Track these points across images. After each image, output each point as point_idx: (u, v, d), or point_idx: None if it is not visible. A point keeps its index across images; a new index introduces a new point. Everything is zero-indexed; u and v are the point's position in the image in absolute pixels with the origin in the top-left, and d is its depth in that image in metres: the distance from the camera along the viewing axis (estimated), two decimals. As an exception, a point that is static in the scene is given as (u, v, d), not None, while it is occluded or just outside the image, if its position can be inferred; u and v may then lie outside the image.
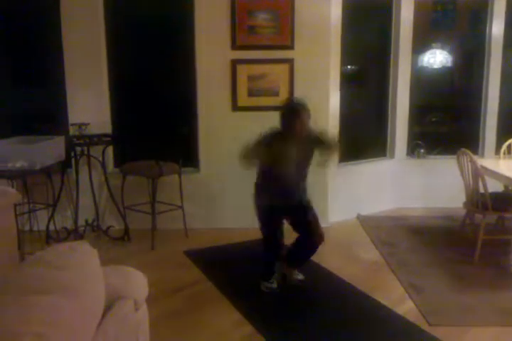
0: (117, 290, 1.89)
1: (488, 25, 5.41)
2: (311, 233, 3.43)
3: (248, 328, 2.99)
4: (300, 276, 3.61)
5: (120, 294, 1.88)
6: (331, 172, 4.94)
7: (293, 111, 3.43)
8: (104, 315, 1.70)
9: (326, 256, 3.92)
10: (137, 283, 2.04)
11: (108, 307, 1.76)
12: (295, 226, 3.50)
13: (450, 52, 5.65)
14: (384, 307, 3.23)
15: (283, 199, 3.38)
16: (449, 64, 5.67)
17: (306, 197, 3.51)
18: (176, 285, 3.58)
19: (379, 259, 4.11)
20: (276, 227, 3.52)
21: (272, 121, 4.75)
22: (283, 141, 3.32)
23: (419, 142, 5.64)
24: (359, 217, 5.24)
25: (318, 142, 3.44)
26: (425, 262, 4.02)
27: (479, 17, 5.49)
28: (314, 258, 3.92)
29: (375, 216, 5.30)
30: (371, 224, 5.01)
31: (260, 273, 3.57)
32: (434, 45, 5.65)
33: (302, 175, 3.51)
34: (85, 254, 1.76)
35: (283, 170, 3.26)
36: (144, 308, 2.08)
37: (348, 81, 5.11)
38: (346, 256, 4.18)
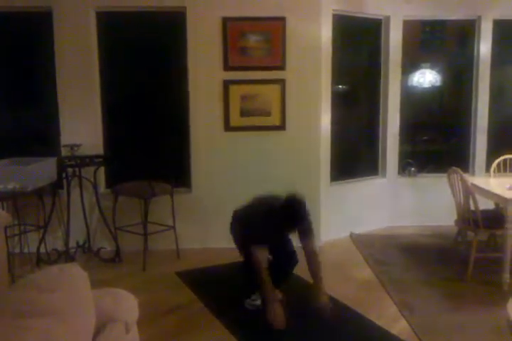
0: (108, 312, 1.88)
1: (475, 44, 5.51)
2: (285, 254, 3.50)
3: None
4: (279, 296, 3.51)
5: (110, 317, 1.87)
6: (323, 191, 4.96)
7: (289, 220, 3.20)
8: (94, 338, 1.69)
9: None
10: (128, 305, 2.03)
11: (98, 330, 1.75)
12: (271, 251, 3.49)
13: (439, 71, 5.73)
14: (377, 327, 3.21)
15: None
16: (438, 83, 5.75)
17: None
18: (168, 307, 3.55)
19: (372, 278, 4.11)
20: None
21: (264, 141, 4.81)
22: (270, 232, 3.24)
23: (410, 161, 5.68)
24: (352, 236, 5.24)
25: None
26: (418, 280, 4.02)
27: (467, 37, 5.59)
28: (307, 276, 3.91)
29: (367, 234, 5.30)
30: (364, 243, 5.01)
31: (243, 291, 3.59)
32: (423, 65, 5.73)
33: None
34: (75, 277, 1.75)
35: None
36: (134, 330, 2.07)
37: (339, 101, 5.16)
38: (339, 274, 4.17)
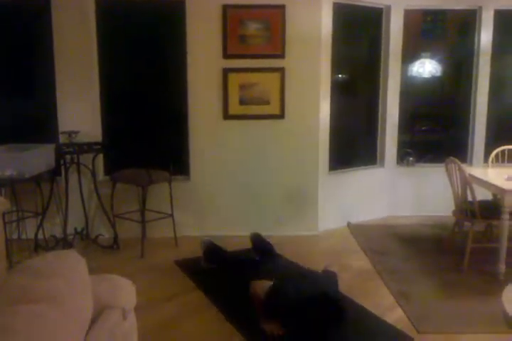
0: (105, 299, 1.89)
1: (476, 34, 5.48)
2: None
3: (238, 338, 2.98)
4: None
5: (108, 303, 1.88)
6: (321, 181, 4.96)
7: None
8: (91, 325, 1.69)
9: (315, 264, 3.92)
10: (125, 292, 2.04)
11: (96, 317, 1.75)
12: None
13: (439, 61, 5.71)
14: (374, 316, 3.24)
15: None
16: (438, 73, 5.73)
17: None
18: (165, 294, 3.57)
19: (369, 267, 4.12)
20: None
21: (263, 129, 4.80)
22: None
23: (409, 150, 5.68)
24: (349, 225, 5.26)
25: None
26: (415, 270, 4.04)
27: (468, 27, 5.56)
28: (304, 266, 3.94)
29: (365, 224, 5.32)
30: (361, 232, 5.02)
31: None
32: (423, 54, 5.71)
33: None
34: (73, 263, 1.75)
35: None
36: (132, 317, 2.08)
37: (338, 90, 5.15)
38: (336, 263, 4.18)
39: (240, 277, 3.50)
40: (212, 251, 4.02)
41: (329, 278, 3.41)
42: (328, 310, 2.97)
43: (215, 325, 3.15)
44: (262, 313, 3.07)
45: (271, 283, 3.18)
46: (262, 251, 4.03)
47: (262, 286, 3.15)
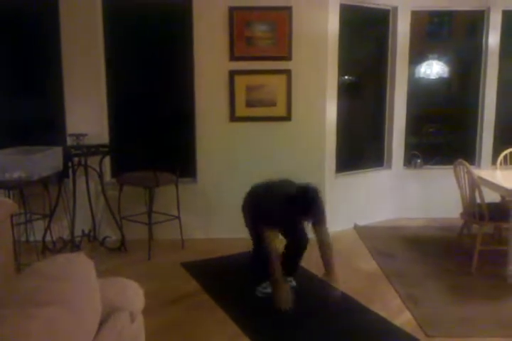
0: (113, 301, 1.89)
1: (484, 35, 5.46)
2: (297, 238, 3.57)
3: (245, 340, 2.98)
4: (293, 283, 3.67)
5: (116, 306, 1.88)
6: (328, 183, 4.95)
7: (302, 205, 3.20)
8: (99, 327, 1.69)
9: (322, 267, 3.91)
10: (133, 294, 2.04)
11: (104, 319, 1.75)
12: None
13: (446, 63, 5.69)
14: (381, 318, 3.22)
15: None
16: (446, 75, 5.71)
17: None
18: (173, 297, 3.57)
19: (376, 270, 4.11)
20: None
21: (270, 131, 4.79)
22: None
23: (416, 152, 5.66)
24: (356, 227, 5.24)
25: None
26: (422, 273, 4.02)
27: (475, 28, 5.53)
28: (312, 269, 3.92)
29: (372, 226, 5.30)
30: (368, 235, 5.01)
31: (253, 279, 3.64)
32: (430, 56, 5.69)
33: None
34: (81, 266, 1.76)
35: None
36: (140, 320, 2.08)
37: (345, 92, 5.14)
38: (343, 266, 4.16)
39: None
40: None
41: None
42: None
43: (221, 328, 3.14)
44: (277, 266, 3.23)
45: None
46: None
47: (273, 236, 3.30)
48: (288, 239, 3.63)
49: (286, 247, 3.59)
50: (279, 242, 3.37)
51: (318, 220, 3.38)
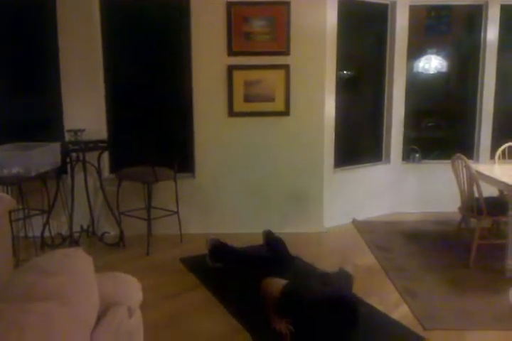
0: (111, 296, 1.89)
1: (482, 30, 5.45)
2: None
3: (244, 335, 2.98)
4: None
5: (114, 301, 1.88)
6: (326, 178, 4.96)
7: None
8: (97, 322, 1.70)
9: (321, 261, 3.92)
10: (131, 289, 2.05)
11: (101, 314, 1.76)
12: None
13: (445, 57, 5.68)
14: (379, 312, 3.23)
15: None
16: (444, 69, 5.71)
17: None
18: (171, 292, 3.57)
19: (374, 264, 4.12)
20: None
21: (268, 126, 4.79)
22: None
23: (415, 147, 5.66)
24: (354, 222, 5.25)
25: None
26: (420, 267, 4.03)
27: (474, 22, 5.53)
28: (310, 262, 3.93)
29: (370, 221, 5.31)
30: (366, 229, 5.02)
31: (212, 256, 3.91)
32: (429, 50, 5.69)
33: None
34: (79, 261, 1.76)
35: None
36: (138, 315, 2.08)
37: (343, 86, 5.14)
38: (342, 260, 4.18)
39: (250, 274, 3.49)
40: (219, 250, 4.01)
41: (345, 279, 3.34)
42: (343, 314, 2.88)
43: (220, 322, 3.15)
44: (274, 312, 3.02)
45: (284, 281, 3.14)
46: (274, 248, 4.00)
47: (276, 284, 3.11)
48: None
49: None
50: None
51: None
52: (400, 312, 3.24)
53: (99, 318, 1.73)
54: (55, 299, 1.49)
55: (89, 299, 1.66)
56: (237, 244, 4.29)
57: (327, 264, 3.90)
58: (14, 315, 1.36)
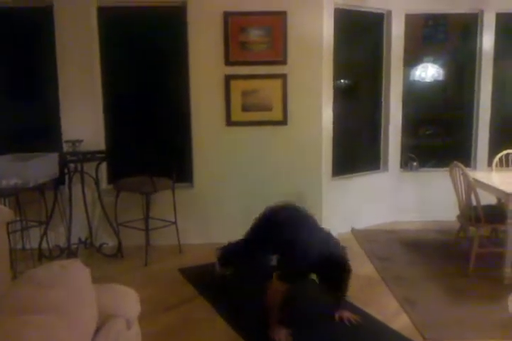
0: (109, 308, 1.89)
1: (478, 38, 5.48)
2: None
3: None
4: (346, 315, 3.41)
5: (112, 312, 1.88)
6: (324, 186, 4.95)
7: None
8: (95, 334, 1.69)
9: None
10: (129, 301, 2.04)
11: (100, 326, 1.75)
12: None
13: (442, 65, 5.71)
14: (378, 321, 3.22)
15: None
16: (441, 77, 5.73)
17: None
18: (170, 303, 3.56)
19: (373, 273, 4.11)
20: None
21: (266, 136, 4.80)
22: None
23: (413, 155, 5.67)
24: (353, 231, 5.24)
25: None
26: (420, 276, 4.02)
27: (470, 30, 5.56)
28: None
29: (369, 229, 5.30)
30: (365, 238, 5.01)
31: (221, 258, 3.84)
32: (425, 59, 5.72)
33: None
34: (77, 273, 1.75)
35: None
36: (136, 326, 2.08)
37: (340, 95, 5.15)
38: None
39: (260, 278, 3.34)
40: (228, 255, 3.89)
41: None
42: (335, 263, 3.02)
43: (219, 333, 3.13)
44: (274, 321, 3.02)
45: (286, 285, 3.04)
46: None
47: (281, 290, 3.00)
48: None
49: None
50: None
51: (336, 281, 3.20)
52: (400, 321, 3.22)
53: (98, 330, 1.72)
54: (54, 311, 1.48)
55: (87, 311, 1.65)
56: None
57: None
58: (13, 328, 1.36)
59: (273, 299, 3.00)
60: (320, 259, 2.94)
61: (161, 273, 4.16)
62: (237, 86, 4.73)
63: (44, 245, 4.41)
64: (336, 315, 3.21)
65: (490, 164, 5.06)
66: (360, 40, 5.51)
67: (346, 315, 3.21)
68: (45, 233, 4.41)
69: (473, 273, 3.93)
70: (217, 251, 3.98)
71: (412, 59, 5.57)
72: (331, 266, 3.02)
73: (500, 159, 4.80)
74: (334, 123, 5.02)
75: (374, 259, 4.40)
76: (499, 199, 4.39)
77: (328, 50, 4.85)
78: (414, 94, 5.63)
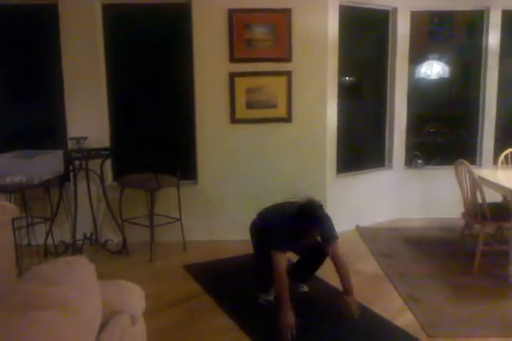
0: (114, 304, 1.89)
1: (484, 35, 5.46)
2: (315, 253, 3.45)
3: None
4: (305, 288, 3.67)
5: (117, 308, 1.88)
6: (329, 184, 4.95)
7: (308, 225, 3.13)
8: (100, 330, 1.70)
9: (324, 268, 3.90)
10: (134, 297, 2.04)
11: (105, 322, 1.76)
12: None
13: (447, 63, 5.69)
14: (383, 319, 3.22)
15: None
16: (446, 75, 5.71)
17: None
18: (174, 299, 3.57)
19: (378, 271, 4.11)
20: None
21: (270, 133, 4.80)
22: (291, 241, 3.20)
23: (417, 152, 5.66)
24: (358, 228, 5.24)
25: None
26: (424, 273, 4.01)
27: (475, 28, 5.53)
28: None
29: (373, 227, 5.30)
30: (370, 235, 5.00)
31: (257, 285, 3.56)
32: (431, 56, 5.70)
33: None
34: (82, 269, 1.76)
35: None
36: (141, 323, 2.08)
37: (345, 92, 5.14)
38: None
39: None
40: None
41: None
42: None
43: (224, 330, 3.14)
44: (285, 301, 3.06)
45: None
46: None
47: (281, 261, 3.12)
48: (303, 254, 3.60)
49: (301, 258, 3.62)
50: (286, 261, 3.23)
51: (326, 235, 3.25)
52: (404, 319, 3.22)
53: (103, 326, 1.72)
54: (59, 308, 1.49)
55: (92, 307, 1.66)
56: (240, 250, 4.30)
57: (331, 271, 3.88)
58: (18, 324, 1.36)
59: (279, 275, 3.06)
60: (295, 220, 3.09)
61: (166, 269, 4.18)
62: (241, 83, 4.72)
63: (49, 241, 4.43)
64: (345, 298, 3.22)
65: (495, 162, 5.04)
66: (365, 38, 5.50)
67: (352, 301, 3.22)
68: (50, 229, 4.43)
69: (478, 271, 3.93)
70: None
71: (417, 56, 5.56)
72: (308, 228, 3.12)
73: (506, 157, 4.78)
74: (339, 120, 5.01)
75: (378, 257, 4.40)
76: (505, 197, 4.38)
77: (333, 48, 4.84)
78: (419, 91, 5.61)
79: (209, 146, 4.81)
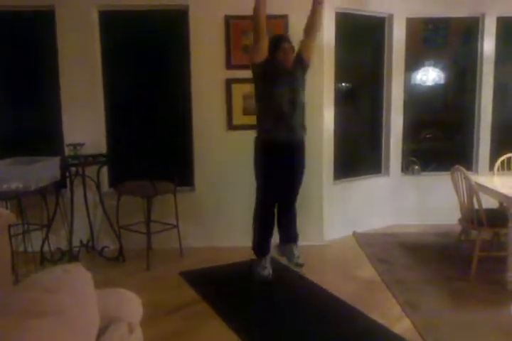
0: (111, 312, 1.88)
1: (479, 42, 5.49)
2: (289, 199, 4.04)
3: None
4: (300, 261, 3.90)
5: (114, 317, 1.87)
6: (326, 190, 4.95)
7: (276, 41, 3.88)
8: (97, 339, 1.69)
9: (321, 274, 3.91)
10: (131, 305, 2.03)
11: (102, 331, 1.74)
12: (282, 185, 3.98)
13: (443, 69, 5.72)
14: (380, 326, 3.21)
15: (284, 133, 3.84)
16: (442, 81, 5.74)
17: (305, 134, 3.99)
18: (172, 307, 3.55)
19: (375, 277, 4.10)
20: (275, 188, 3.97)
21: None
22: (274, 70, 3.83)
23: (414, 159, 5.67)
24: (355, 235, 5.24)
25: (301, 63, 3.95)
26: (421, 279, 4.01)
27: (471, 34, 5.57)
28: (310, 276, 3.91)
29: (370, 233, 5.30)
30: (367, 242, 5.00)
31: (254, 248, 3.88)
32: (426, 62, 5.73)
33: (298, 106, 3.90)
34: (79, 277, 1.75)
35: (278, 100, 3.76)
36: (138, 331, 2.07)
37: (342, 99, 5.15)
38: (342, 273, 4.17)
39: None
40: None
41: None
42: None
43: (221, 337, 3.13)
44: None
45: None
46: None
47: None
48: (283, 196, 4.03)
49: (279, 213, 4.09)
50: None
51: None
52: (402, 326, 3.21)
53: (100, 335, 1.71)
54: (56, 316, 1.48)
55: (89, 315, 1.65)
56: (237, 257, 4.29)
57: (328, 278, 3.89)
58: (14, 332, 1.35)
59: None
60: None
61: (163, 276, 4.16)
62: (238, 90, 4.73)
63: (46, 248, 4.41)
64: None
65: (491, 168, 5.06)
66: (361, 44, 5.52)
67: None
68: (46, 236, 4.42)
69: (475, 277, 3.93)
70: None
71: (413, 63, 5.58)
72: None
73: (502, 163, 4.79)
74: (335, 126, 5.02)
75: (375, 263, 4.40)
76: (501, 203, 4.39)
77: (330, 54, 4.86)
78: (415, 97, 5.64)
79: (206, 153, 4.81)
